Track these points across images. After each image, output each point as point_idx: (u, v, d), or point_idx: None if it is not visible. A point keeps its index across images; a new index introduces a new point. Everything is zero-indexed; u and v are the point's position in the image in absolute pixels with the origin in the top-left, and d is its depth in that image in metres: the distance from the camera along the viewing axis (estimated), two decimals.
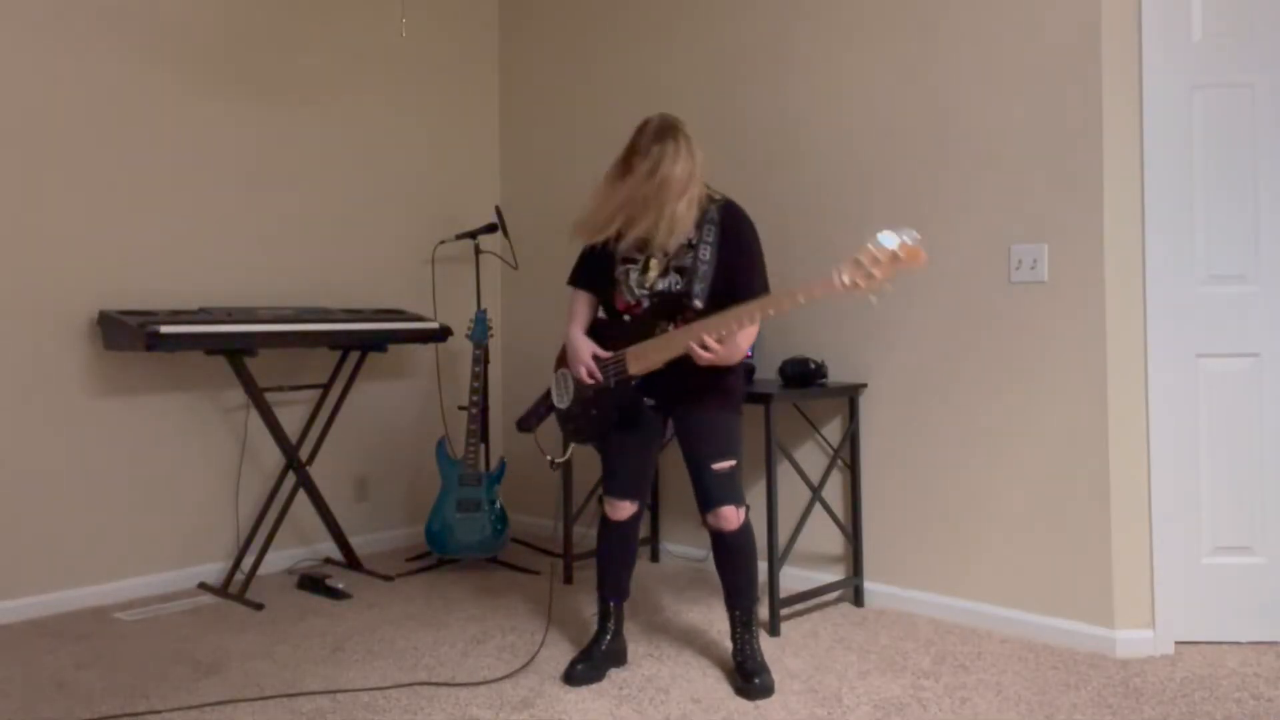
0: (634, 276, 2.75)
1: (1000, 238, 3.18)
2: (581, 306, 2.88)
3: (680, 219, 2.62)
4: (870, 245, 2.31)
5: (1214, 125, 2.97)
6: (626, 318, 2.77)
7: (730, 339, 2.56)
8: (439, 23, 4.63)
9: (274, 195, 4.04)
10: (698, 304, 2.66)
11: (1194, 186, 2.98)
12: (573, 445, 2.95)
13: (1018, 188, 3.15)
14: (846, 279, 2.35)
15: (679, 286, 2.69)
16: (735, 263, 2.70)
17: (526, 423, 3.12)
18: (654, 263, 2.73)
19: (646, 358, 2.67)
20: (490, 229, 4.30)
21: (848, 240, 3.53)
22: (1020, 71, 3.13)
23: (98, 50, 3.58)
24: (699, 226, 2.69)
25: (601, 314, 2.90)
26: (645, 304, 2.74)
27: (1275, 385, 2.97)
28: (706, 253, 2.68)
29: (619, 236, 2.71)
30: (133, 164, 3.66)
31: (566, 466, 3.80)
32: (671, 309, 2.70)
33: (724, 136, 3.91)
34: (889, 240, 2.29)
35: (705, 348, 2.54)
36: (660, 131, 2.62)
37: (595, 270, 2.85)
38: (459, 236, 4.36)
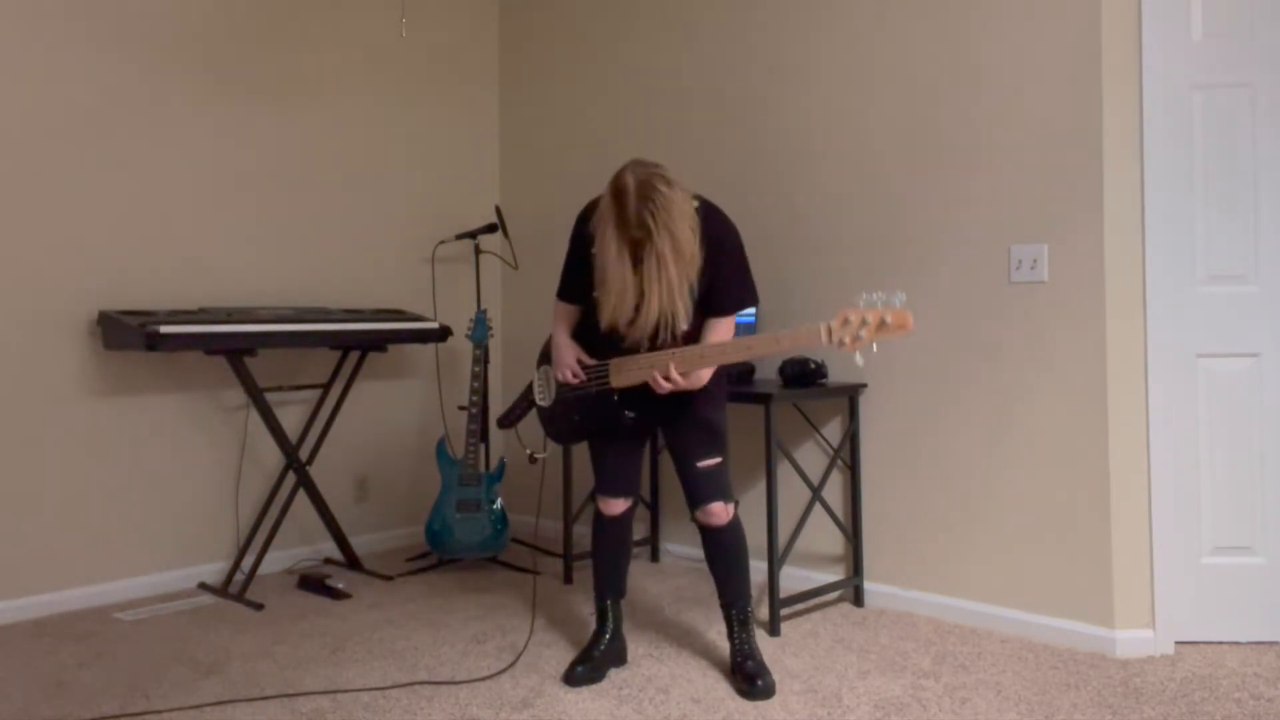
0: None
1: (1000, 238, 3.19)
2: (567, 315, 2.88)
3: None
4: (862, 306, 2.36)
5: (1214, 125, 2.97)
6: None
7: (696, 372, 2.58)
8: (439, 23, 4.63)
9: (274, 195, 4.04)
10: (683, 326, 2.62)
11: (1194, 186, 2.98)
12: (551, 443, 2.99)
13: (1017, 188, 3.15)
14: (834, 336, 2.38)
15: None
16: (718, 272, 2.63)
17: (507, 419, 3.24)
18: None
19: (629, 373, 2.67)
20: (490, 229, 4.30)
21: (849, 240, 3.53)
22: (1020, 71, 3.13)
23: (98, 51, 3.57)
24: None
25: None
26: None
27: (1275, 385, 2.97)
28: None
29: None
30: (133, 164, 3.66)
31: (566, 467, 3.80)
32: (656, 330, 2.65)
33: (724, 135, 3.91)
34: (878, 304, 2.36)
35: (669, 378, 2.55)
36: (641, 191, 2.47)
37: (579, 287, 2.81)
38: (459, 236, 4.35)
